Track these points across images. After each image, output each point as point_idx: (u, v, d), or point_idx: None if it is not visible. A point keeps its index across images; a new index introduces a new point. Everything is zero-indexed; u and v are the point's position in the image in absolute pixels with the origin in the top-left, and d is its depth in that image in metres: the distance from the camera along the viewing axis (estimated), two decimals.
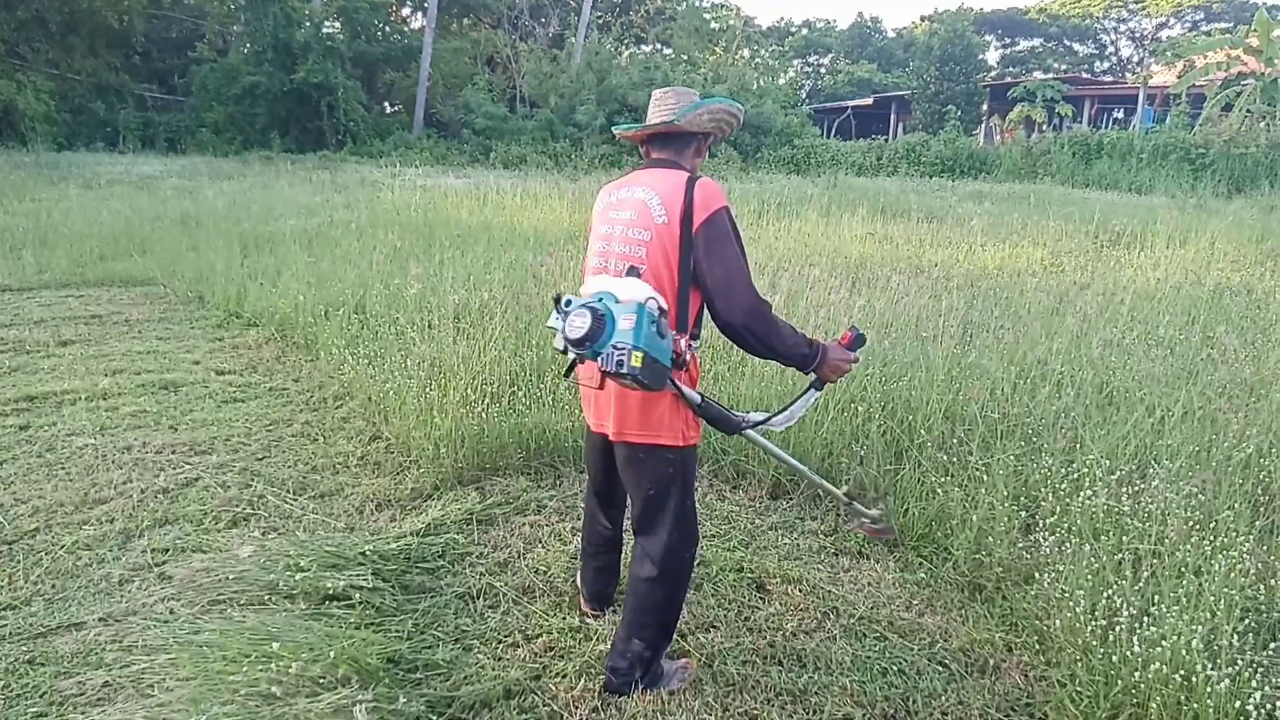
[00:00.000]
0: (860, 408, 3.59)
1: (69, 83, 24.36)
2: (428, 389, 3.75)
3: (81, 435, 3.78)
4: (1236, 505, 2.68)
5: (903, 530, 3.11)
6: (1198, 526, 2.49)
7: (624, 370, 1.78)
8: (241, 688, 1.96)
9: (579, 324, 1.82)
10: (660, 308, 1.89)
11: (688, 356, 1.99)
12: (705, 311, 2.09)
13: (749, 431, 2.30)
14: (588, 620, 2.50)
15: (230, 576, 2.53)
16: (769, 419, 2.27)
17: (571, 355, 1.94)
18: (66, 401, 4.21)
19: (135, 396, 4.34)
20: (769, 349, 2.05)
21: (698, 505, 3.22)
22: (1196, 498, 2.65)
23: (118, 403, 4.23)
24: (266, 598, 2.44)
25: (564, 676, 2.25)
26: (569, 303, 1.91)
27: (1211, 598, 2.16)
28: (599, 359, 1.82)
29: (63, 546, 2.83)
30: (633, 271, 1.98)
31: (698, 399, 2.10)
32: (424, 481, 3.41)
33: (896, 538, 3.06)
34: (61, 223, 8.82)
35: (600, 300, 1.88)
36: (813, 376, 2.16)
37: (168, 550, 2.83)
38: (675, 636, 2.37)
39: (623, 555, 2.58)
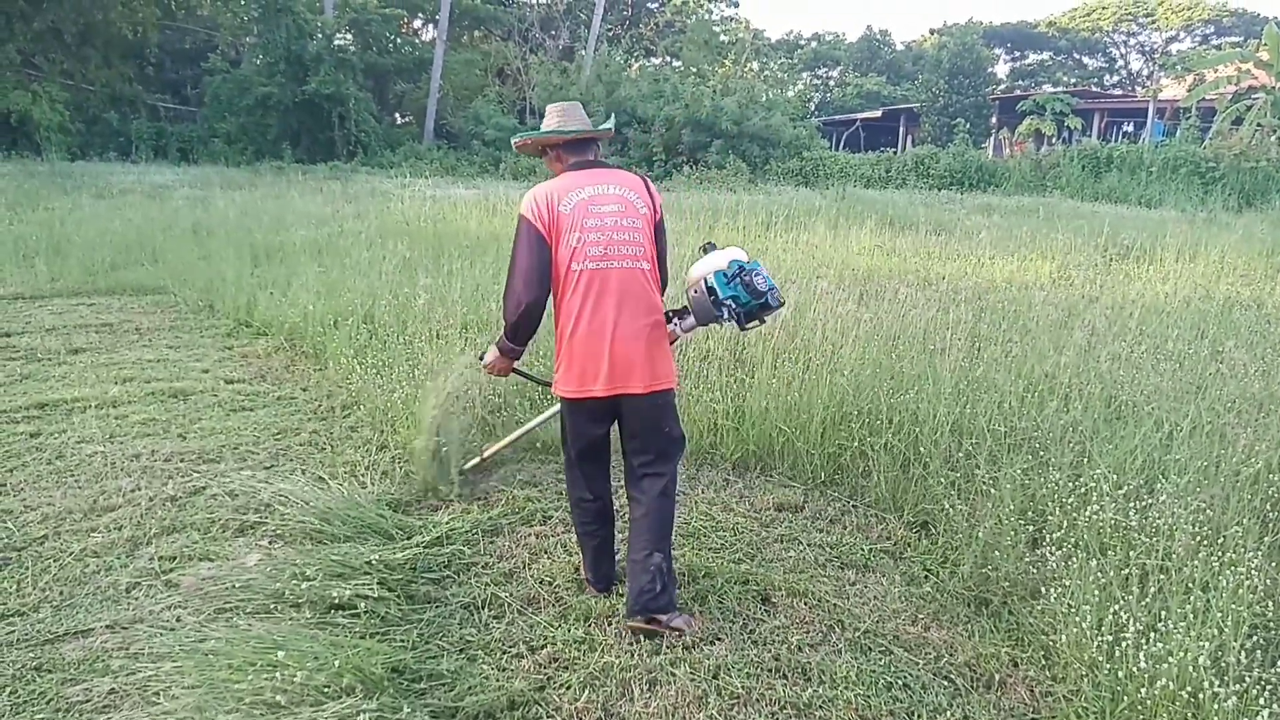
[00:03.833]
0: (867, 420, 3.59)
1: (83, 93, 24.67)
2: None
3: (91, 443, 3.81)
4: (1245, 521, 2.65)
5: (909, 544, 3.10)
6: (1205, 542, 2.47)
7: (783, 302, 2.57)
8: (246, 696, 1.98)
9: (767, 275, 2.51)
10: None
11: None
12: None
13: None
14: (592, 631, 2.50)
15: (237, 585, 2.55)
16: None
17: (736, 307, 2.48)
18: (77, 409, 4.25)
19: (145, 405, 4.38)
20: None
21: (703, 517, 3.26)
22: (1204, 513, 2.63)
23: (127, 411, 4.26)
24: (272, 606, 2.46)
25: (568, 687, 2.25)
26: (741, 264, 2.53)
27: (1219, 614, 2.15)
28: (765, 298, 2.48)
29: (71, 554, 2.85)
30: (711, 246, 2.60)
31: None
32: (429, 491, 3.41)
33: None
34: (74, 232, 8.91)
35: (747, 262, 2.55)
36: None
37: (175, 558, 2.85)
38: (681, 649, 2.42)
39: (614, 529, 2.76)
